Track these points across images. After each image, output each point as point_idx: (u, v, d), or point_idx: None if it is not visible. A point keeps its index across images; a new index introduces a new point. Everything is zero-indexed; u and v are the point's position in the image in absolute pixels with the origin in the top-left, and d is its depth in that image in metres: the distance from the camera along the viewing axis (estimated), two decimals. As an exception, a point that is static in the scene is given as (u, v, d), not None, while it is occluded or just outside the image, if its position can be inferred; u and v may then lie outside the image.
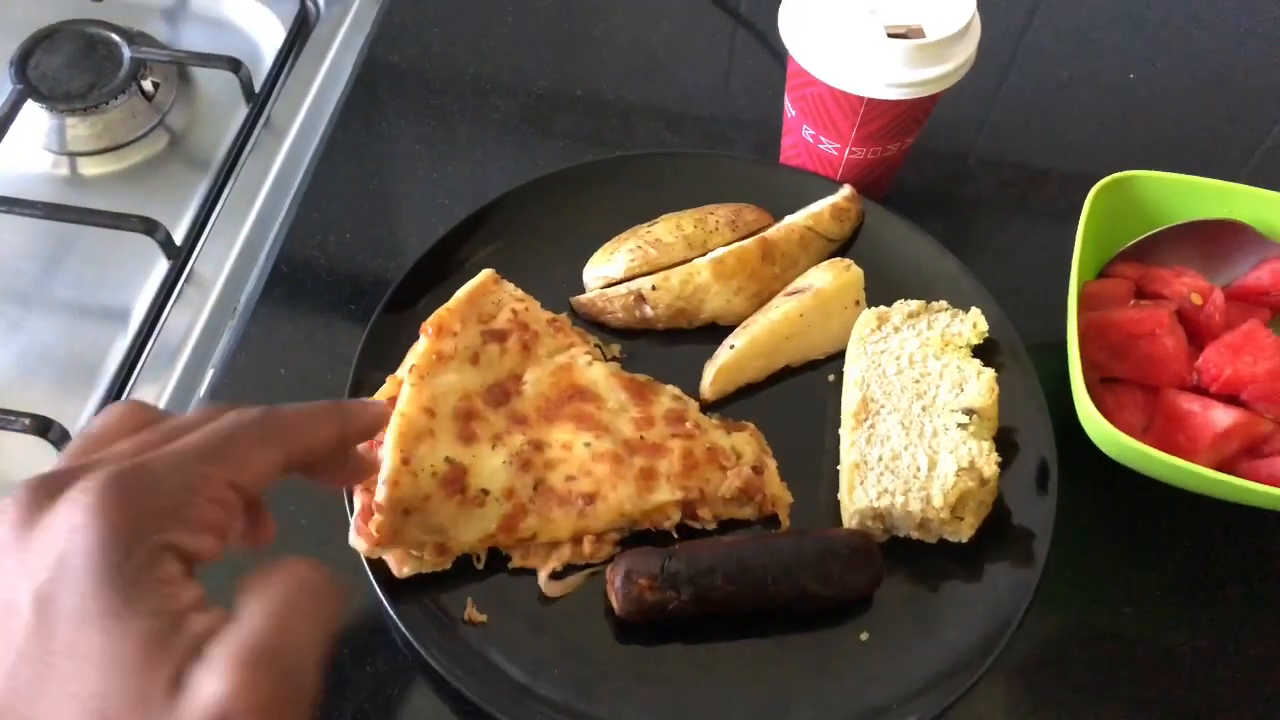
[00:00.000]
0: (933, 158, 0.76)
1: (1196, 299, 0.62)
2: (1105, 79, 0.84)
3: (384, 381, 0.59)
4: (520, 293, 0.63)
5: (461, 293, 0.61)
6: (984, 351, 0.63)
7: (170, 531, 0.34)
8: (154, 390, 0.77)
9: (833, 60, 0.62)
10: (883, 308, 0.63)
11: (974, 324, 0.62)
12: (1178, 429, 0.58)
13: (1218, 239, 0.64)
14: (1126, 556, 0.61)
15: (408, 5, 0.83)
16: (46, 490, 0.34)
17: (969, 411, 0.58)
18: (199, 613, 0.33)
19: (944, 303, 0.63)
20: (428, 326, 0.58)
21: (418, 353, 0.58)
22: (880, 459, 0.57)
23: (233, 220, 0.87)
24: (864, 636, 0.56)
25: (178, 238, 0.85)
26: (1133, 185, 0.63)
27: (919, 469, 0.56)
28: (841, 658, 0.55)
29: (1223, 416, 0.57)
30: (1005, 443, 0.60)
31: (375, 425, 0.43)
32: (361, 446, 0.56)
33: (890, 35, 0.61)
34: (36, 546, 0.33)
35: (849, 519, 0.57)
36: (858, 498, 0.56)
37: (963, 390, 0.59)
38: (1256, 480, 0.57)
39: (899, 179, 0.73)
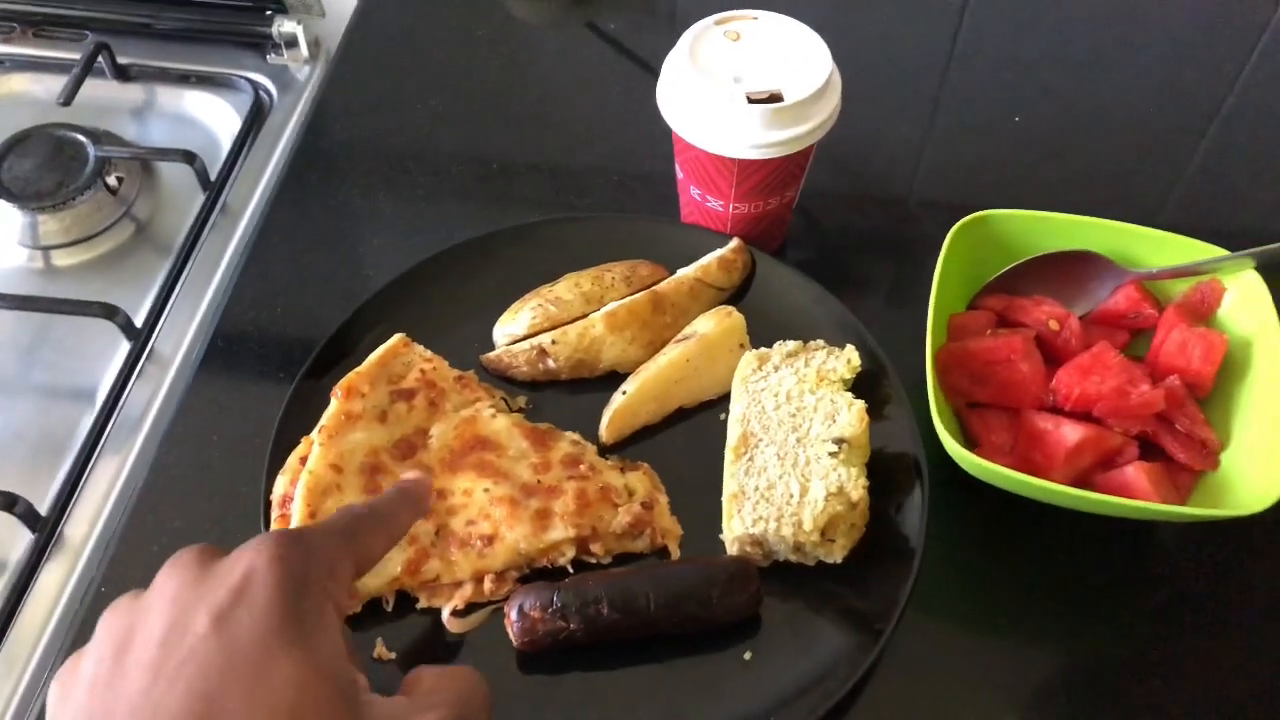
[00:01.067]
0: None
1: (1054, 325, 0.66)
2: (1018, 121, 0.89)
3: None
4: (429, 354, 0.68)
5: (373, 356, 0.67)
6: (867, 387, 0.67)
7: (329, 586, 0.40)
8: (115, 462, 0.83)
9: (704, 127, 0.68)
10: (763, 349, 0.68)
11: (848, 360, 0.66)
12: (1035, 447, 0.62)
13: (1074, 269, 0.68)
14: (998, 569, 0.65)
15: (337, 95, 0.90)
16: (215, 550, 0.40)
17: (839, 441, 0.62)
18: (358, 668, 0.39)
19: (820, 341, 0.68)
20: (337, 389, 0.64)
21: (328, 414, 0.63)
22: (756, 488, 0.61)
23: (191, 300, 0.94)
24: (748, 656, 0.60)
25: (139, 319, 0.91)
26: (992, 223, 0.68)
27: (792, 496, 0.61)
28: (727, 677, 0.59)
29: (1072, 432, 0.61)
30: (882, 470, 0.64)
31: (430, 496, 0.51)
32: (276, 502, 0.62)
33: (751, 101, 0.66)
34: (214, 580, 0.38)
35: (730, 546, 0.62)
36: (735, 526, 0.60)
37: (835, 421, 0.64)
38: (1107, 490, 0.61)
39: (839, 225, 0.79)
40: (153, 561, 0.63)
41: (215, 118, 1.09)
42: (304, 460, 0.62)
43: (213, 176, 1.00)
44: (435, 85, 0.91)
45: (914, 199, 0.84)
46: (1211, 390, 0.65)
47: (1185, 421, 0.63)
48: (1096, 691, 0.60)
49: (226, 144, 1.05)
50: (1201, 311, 0.67)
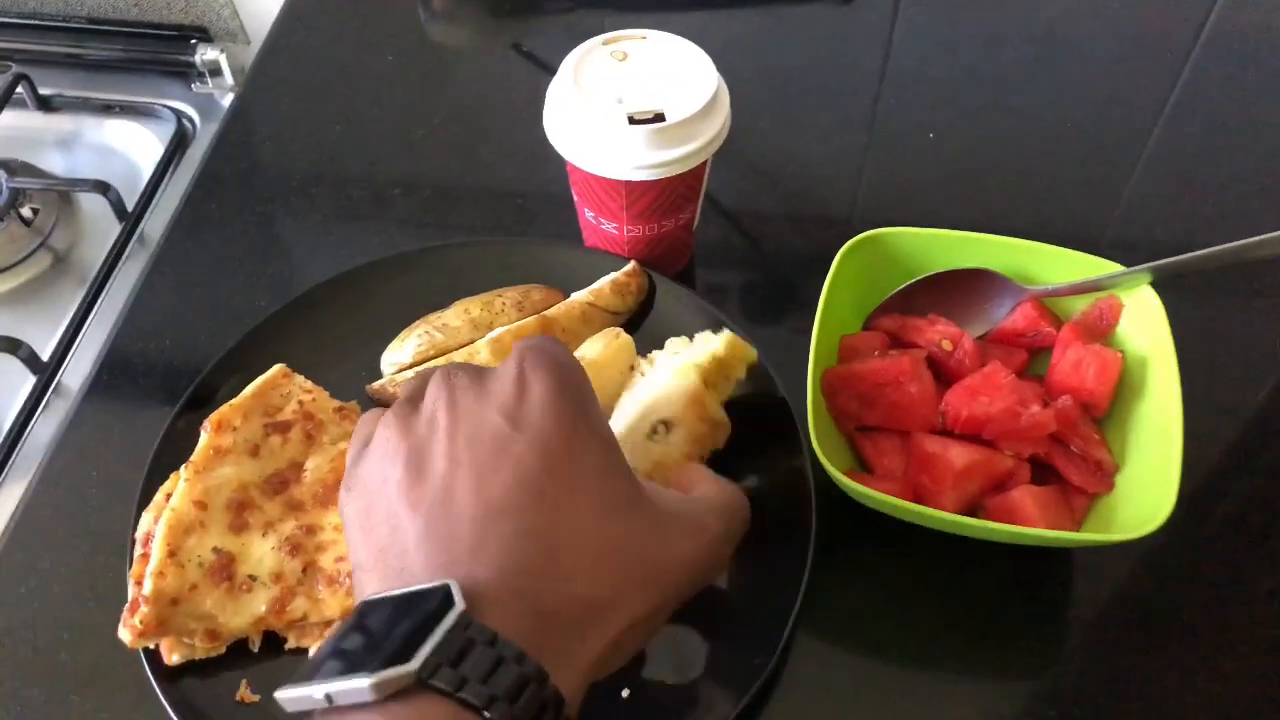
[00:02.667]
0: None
1: (947, 345, 0.64)
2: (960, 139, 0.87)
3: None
4: (310, 384, 0.66)
5: (250, 388, 0.65)
6: (762, 411, 0.65)
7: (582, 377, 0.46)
8: (17, 491, 0.81)
9: (588, 149, 0.66)
10: (653, 352, 0.65)
11: (724, 341, 0.63)
12: (925, 471, 0.60)
13: (971, 287, 0.67)
14: (889, 595, 0.63)
15: (244, 121, 0.89)
16: (477, 365, 0.47)
17: (663, 423, 0.60)
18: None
19: (707, 333, 0.65)
20: (207, 423, 0.62)
21: (198, 449, 0.61)
22: None
23: (101, 333, 0.92)
24: (625, 694, 0.58)
25: (48, 352, 0.90)
26: (883, 241, 0.66)
27: None
28: (603, 716, 0.57)
29: (960, 455, 0.59)
30: (774, 493, 0.62)
31: None
32: (139, 540, 0.60)
33: (633, 122, 0.65)
34: (493, 383, 0.44)
35: None
36: None
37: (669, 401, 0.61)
38: (996, 514, 0.59)
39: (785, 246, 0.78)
40: (18, 603, 0.62)
41: (138, 147, 1.08)
42: (168, 496, 0.60)
43: (130, 206, 0.99)
44: (344, 109, 0.90)
45: (856, 217, 0.83)
46: (1109, 410, 0.63)
47: (1079, 443, 0.61)
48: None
49: (149, 173, 1.04)
50: (1100, 329, 0.65)
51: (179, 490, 0.59)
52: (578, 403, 0.43)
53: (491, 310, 0.70)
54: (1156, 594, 0.62)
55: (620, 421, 0.63)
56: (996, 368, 0.62)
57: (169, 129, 1.06)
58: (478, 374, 0.45)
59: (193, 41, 1.10)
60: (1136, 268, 0.63)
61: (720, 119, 0.67)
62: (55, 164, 1.07)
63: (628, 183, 0.67)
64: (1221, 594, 0.62)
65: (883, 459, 0.63)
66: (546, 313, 0.70)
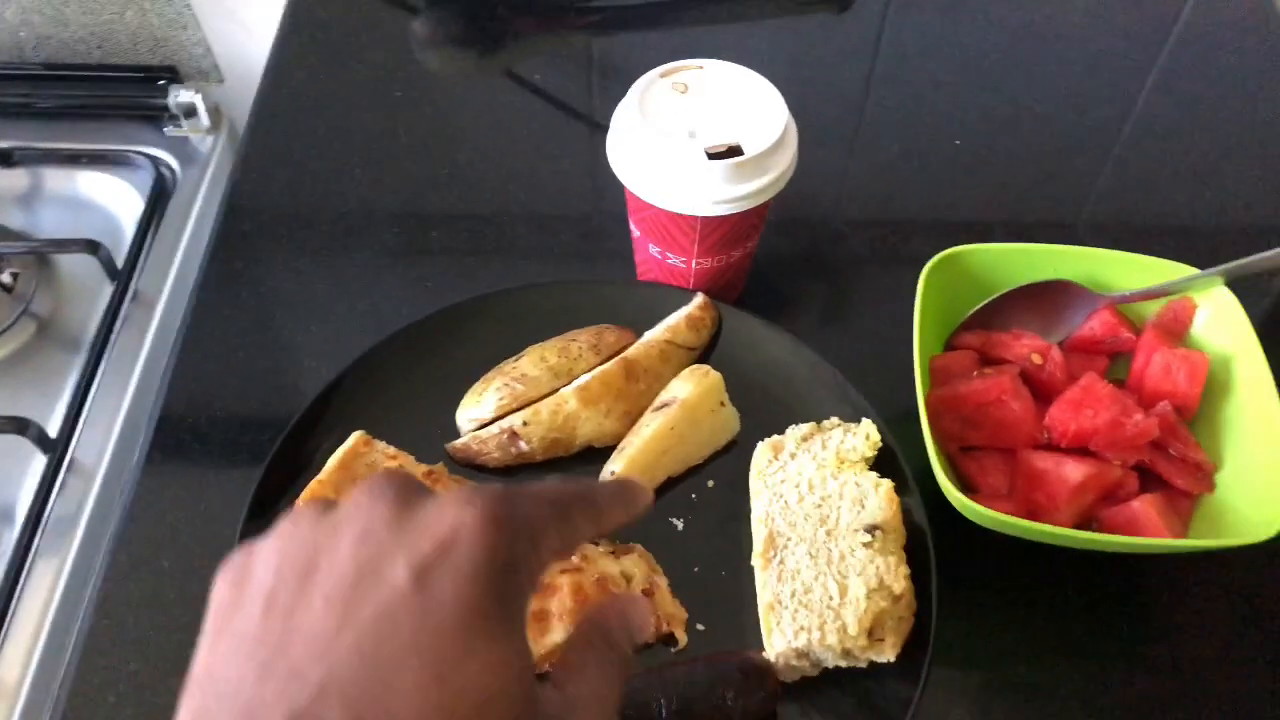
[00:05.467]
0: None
1: (1037, 359, 0.65)
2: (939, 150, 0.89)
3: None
4: (393, 450, 0.64)
5: (332, 460, 0.62)
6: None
7: (532, 562, 0.35)
8: (49, 580, 0.76)
9: (663, 186, 0.65)
10: (776, 437, 0.64)
11: (866, 435, 0.63)
12: (1036, 488, 0.61)
13: (1048, 298, 0.68)
14: (1012, 613, 0.63)
15: (254, 171, 0.84)
16: (418, 486, 0.36)
17: (872, 528, 0.59)
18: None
19: (835, 419, 0.65)
20: (300, 502, 0.59)
21: (295, 532, 0.58)
22: (793, 594, 0.57)
23: (110, 402, 0.87)
24: (776, 736, 0.57)
25: (53, 429, 0.84)
26: (961, 259, 0.67)
27: (831, 598, 0.57)
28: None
29: (1074, 471, 0.60)
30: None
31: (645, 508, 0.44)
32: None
33: (711, 156, 0.64)
34: (417, 527, 0.34)
35: (775, 661, 0.57)
36: (776, 641, 0.56)
37: (864, 506, 0.60)
38: (1114, 526, 0.60)
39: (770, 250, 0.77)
40: (110, 713, 0.58)
41: (114, 199, 1.02)
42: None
43: (119, 264, 0.94)
44: (358, 149, 0.86)
45: (839, 219, 0.84)
46: (1197, 411, 0.64)
47: (1179, 446, 0.62)
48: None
49: (130, 227, 0.99)
50: (1176, 330, 0.66)
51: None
52: (500, 595, 0.33)
53: (569, 356, 0.68)
54: (1262, 596, 0.64)
55: (806, 518, 0.61)
56: (1094, 379, 0.62)
57: (147, 178, 1.00)
58: (411, 497, 0.35)
59: (161, 83, 1.04)
60: (1211, 270, 0.65)
61: (792, 148, 0.66)
62: (20, 223, 1.00)
63: (705, 218, 0.66)
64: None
65: (987, 478, 0.63)
66: (626, 354, 0.68)
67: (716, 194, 0.64)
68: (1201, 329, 0.66)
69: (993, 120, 0.91)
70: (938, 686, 0.60)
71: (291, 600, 0.33)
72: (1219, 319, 0.65)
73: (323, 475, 0.61)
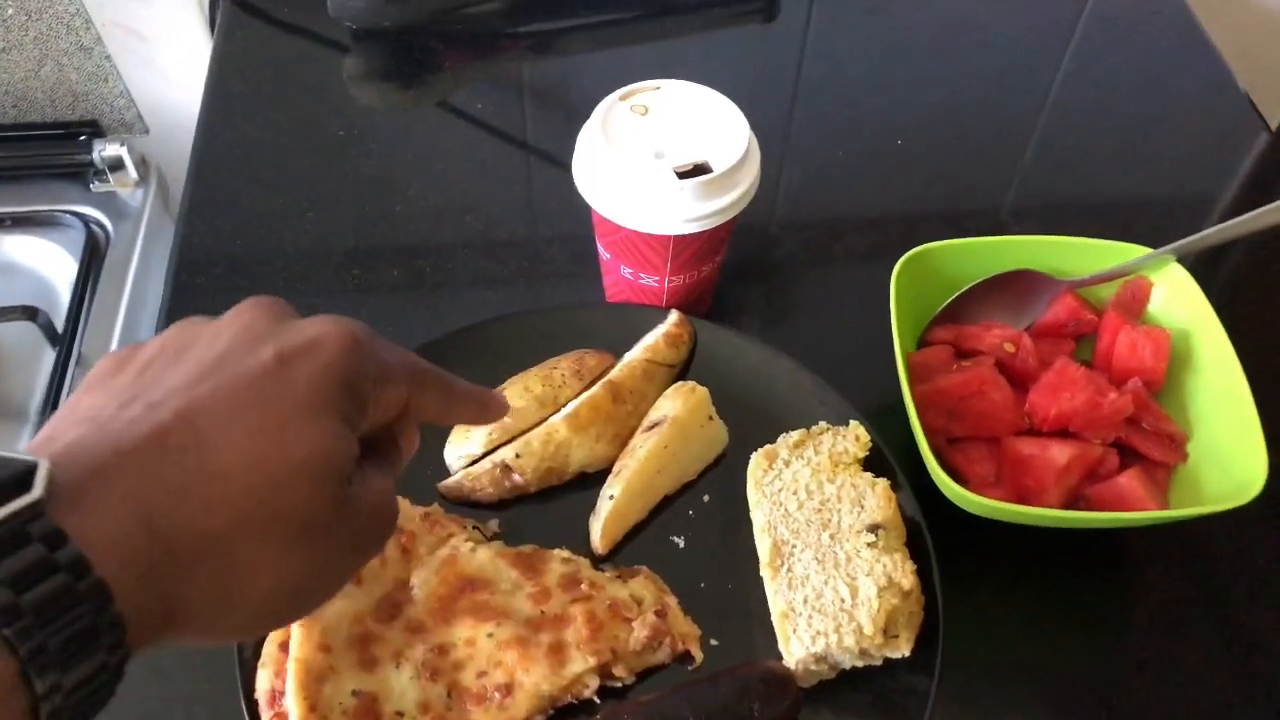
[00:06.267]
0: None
1: (1010, 347, 0.67)
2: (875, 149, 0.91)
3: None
4: (387, 496, 0.62)
5: (328, 512, 0.60)
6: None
7: (378, 390, 0.39)
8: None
9: (633, 208, 0.65)
10: (769, 446, 0.65)
11: (856, 436, 0.64)
12: (1024, 473, 0.63)
13: (1013, 288, 0.70)
14: (1011, 595, 0.65)
15: (203, 223, 0.82)
16: (292, 307, 0.40)
17: (874, 527, 0.60)
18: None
19: (823, 424, 0.66)
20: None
21: (299, 589, 0.56)
22: (805, 601, 0.58)
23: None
24: (796, 732, 0.57)
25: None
26: (928, 256, 0.68)
27: (843, 601, 0.57)
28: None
29: (1060, 453, 0.62)
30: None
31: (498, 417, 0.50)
32: (264, 702, 0.55)
33: (680, 176, 0.64)
34: (288, 329, 0.38)
35: (794, 668, 0.57)
36: (794, 649, 0.57)
37: (863, 507, 0.61)
38: (1103, 503, 0.62)
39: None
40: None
41: (45, 262, 0.99)
42: (283, 647, 0.55)
43: (59, 328, 0.91)
44: (304, 190, 0.85)
45: (775, 224, 0.86)
46: (1164, 385, 0.67)
47: (1151, 420, 0.65)
48: (1133, 698, 0.61)
49: (65, 290, 0.95)
50: (1134, 309, 0.69)
51: (296, 638, 0.54)
52: (345, 393, 0.37)
53: (553, 384, 0.68)
54: (1232, 563, 0.67)
55: (806, 526, 0.61)
56: (1067, 363, 0.65)
57: (78, 237, 0.97)
58: (284, 311, 0.40)
59: (84, 138, 1.01)
60: (1163, 249, 0.67)
61: (756, 162, 0.67)
62: (-59, 293, 0.96)
63: (677, 236, 0.66)
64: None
65: (975, 467, 0.65)
66: (610, 378, 0.68)
67: (687, 212, 0.65)
68: (1159, 306, 0.69)
69: (921, 117, 0.94)
70: (949, 673, 0.61)
71: (164, 365, 0.36)
72: (1175, 295, 0.68)
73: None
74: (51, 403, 0.87)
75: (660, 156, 0.65)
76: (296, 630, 0.55)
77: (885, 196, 0.88)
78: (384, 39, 0.99)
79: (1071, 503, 0.63)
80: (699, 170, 0.65)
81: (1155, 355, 0.66)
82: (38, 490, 0.29)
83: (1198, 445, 0.65)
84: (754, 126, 0.66)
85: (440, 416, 0.45)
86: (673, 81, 0.69)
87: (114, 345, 0.92)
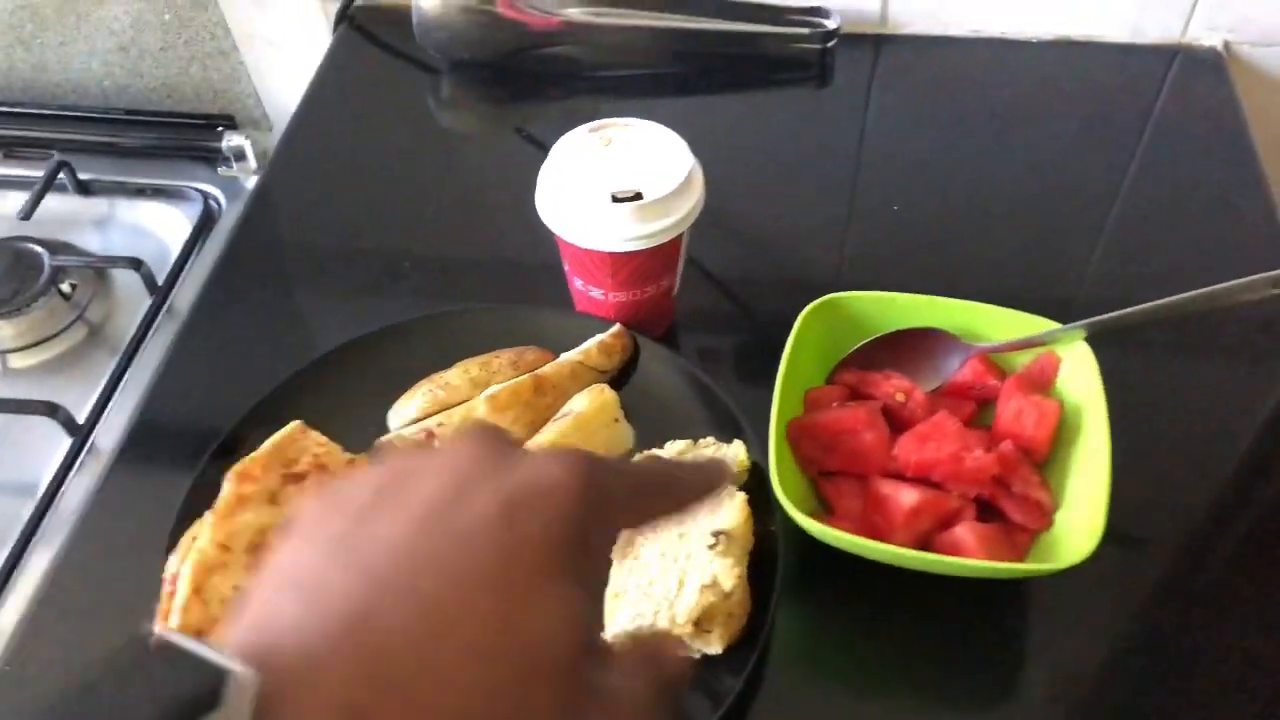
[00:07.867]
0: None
1: (901, 397, 0.71)
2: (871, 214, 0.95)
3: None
4: (324, 439, 0.73)
5: (268, 443, 0.71)
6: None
7: (608, 533, 0.37)
8: (48, 552, 0.87)
9: (577, 225, 0.74)
10: (654, 450, 0.71)
11: (735, 455, 0.70)
12: (877, 510, 0.66)
13: (923, 345, 0.73)
14: (854, 633, 0.68)
15: (268, 203, 0.97)
16: (512, 439, 0.37)
17: (719, 533, 0.65)
18: None
19: (710, 439, 0.72)
20: (230, 474, 0.69)
21: (221, 497, 0.68)
22: (638, 586, 0.64)
23: (132, 398, 1.00)
24: None
25: (81, 417, 0.97)
26: (841, 304, 0.73)
27: (669, 592, 0.63)
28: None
29: (909, 496, 0.65)
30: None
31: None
32: (166, 579, 0.66)
33: (616, 200, 0.72)
34: (512, 471, 0.34)
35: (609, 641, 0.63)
36: (613, 625, 0.63)
37: (716, 515, 0.67)
38: (942, 550, 0.65)
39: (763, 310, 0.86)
40: (63, 638, 0.68)
41: (168, 226, 1.17)
42: (195, 540, 0.66)
43: (160, 281, 1.07)
44: (361, 190, 0.98)
45: (841, 283, 0.88)
46: (1050, 455, 0.69)
47: (1020, 484, 0.67)
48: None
49: (174, 250, 1.13)
50: (1041, 382, 0.71)
51: (204, 534, 0.66)
52: (581, 550, 0.33)
53: (489, 370, 0.77)
54: (1107, 621, 0.68)
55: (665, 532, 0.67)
56: (944, 416, 0.68)
57: (196, 209, 1.15)
58: (508, 448, 0.36)
59: (219, 129, 1.19)
60: (1071, 325, 0.69)
61: (695, 196, 0.75)
62: (92, 243, 1.16)
63: (613, 254, 0.74)
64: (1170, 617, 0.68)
65: (842, 500, 0.69)
66: (538, 371, 0.76)
67: (624, 233, 0.73)
68: (1063, 381, 0.71)
69: (972, 197, 0.97)
70: (777, 689, 0.65)
71: (378, 513, 0.32)
72: (1076, 370, 0.70)
73: (256, 453, 0.71)
74: (139, 339, 1.04)
75: (606, 183, 0.74)
76: (206, 528, 0.66)
77: (939, 272, 0.87)
78: (473, 68, 1.12)
79: (920, 547, 0.66)
80: (636, 197, 0.73)
81: (1037, 425, 0.68)
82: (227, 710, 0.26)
83: (1064, 515, 0.66)
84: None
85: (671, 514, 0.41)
86: (643, 121, 0.78)
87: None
